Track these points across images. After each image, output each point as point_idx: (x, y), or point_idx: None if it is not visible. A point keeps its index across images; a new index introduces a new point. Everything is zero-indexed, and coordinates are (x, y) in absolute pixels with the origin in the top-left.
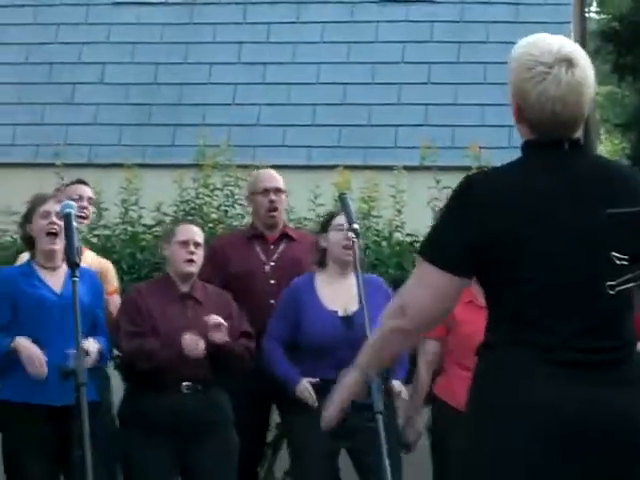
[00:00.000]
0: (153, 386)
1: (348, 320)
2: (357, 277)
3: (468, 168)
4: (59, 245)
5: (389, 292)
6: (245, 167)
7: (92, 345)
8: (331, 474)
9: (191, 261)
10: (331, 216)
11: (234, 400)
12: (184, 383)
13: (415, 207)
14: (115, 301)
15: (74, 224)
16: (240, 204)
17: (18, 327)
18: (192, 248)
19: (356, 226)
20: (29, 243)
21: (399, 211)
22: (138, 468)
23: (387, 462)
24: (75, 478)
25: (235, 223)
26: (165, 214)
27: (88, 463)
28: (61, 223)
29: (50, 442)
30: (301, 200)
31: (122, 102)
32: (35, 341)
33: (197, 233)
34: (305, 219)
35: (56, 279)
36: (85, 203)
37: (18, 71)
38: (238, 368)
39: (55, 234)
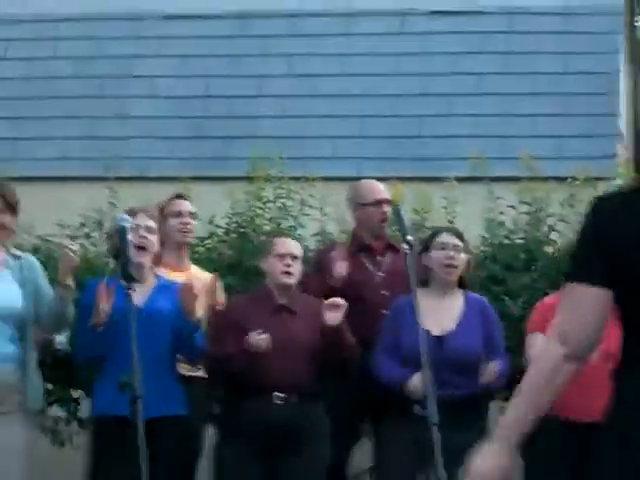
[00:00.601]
0: (247, 395)
1: (441, 340)
2: (413, 290)
3: (519, 178)
4: (147, 258)
5: (493, 314)
6: (297, 179)
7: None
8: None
9: (289, 273)
10: (434, 234)
11: (330, 412)
12: (278, 393)
13: (467, 218)
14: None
15: (129, 238)
16: (292, 216)
17: (102, 337)
18: (289, 261)
19: (410, 238)
20: (116, 256)
21: (451, 222)
22: (230, 476)
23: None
24: None
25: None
26: (218, 226)
27: (145, 476)
28: (150, 237)
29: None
30: None
31: (174, 115)
32: (115, 352)
33: (295, 246)
34: None
35: (141, 292)
36: (187, 219)
37: (69, 85)
38: (345, 363)
39: (144, 248)
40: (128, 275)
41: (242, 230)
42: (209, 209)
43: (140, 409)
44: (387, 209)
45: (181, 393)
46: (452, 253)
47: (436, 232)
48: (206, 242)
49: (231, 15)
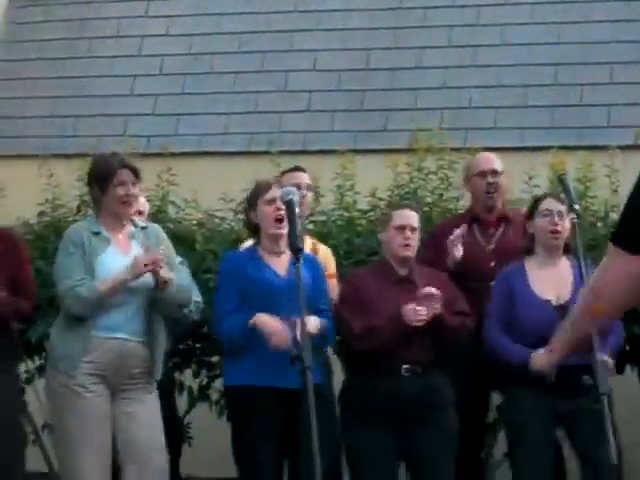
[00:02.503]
0: (374, 370)
1: (562, 309)
2: (578, 260)
3: None
4: (285, 230)
5: None
6: (458, 150)
7: (313, 322)
8: (549, 459)
9: (407, 245)
10: (537, 201)
11: (455, 384)
12: (404, 366)
13: (630, 186)
14: (333, 286)
15: (296, 210)
16: (454, 187)
17: (247, 310)
18: (408, 233)
19: (577, 207)
20: (253, 229)
21: (615, 191)
22: (360, 453)
23: (613, 443)
24: (302, 462)
25: (450, 206)
26: (380, 199)
27: (315, 448)
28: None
29: (277, 425)
30: (515, 182)
31: (334, 89)
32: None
33: (413, 217)
34: (520, 200)
35: (281, 264)
36: (304, 191)
37: (232, 60)
38: (455, 342)
39: (281, 220)
40: (296, 247)
41: (404, 202)
42: (371, 182)
43: (310, 380)
44: (492, 180)
45: (321, 361)
46: (557, 219)
47: (539, 198)
48: (369, 214)
49: None
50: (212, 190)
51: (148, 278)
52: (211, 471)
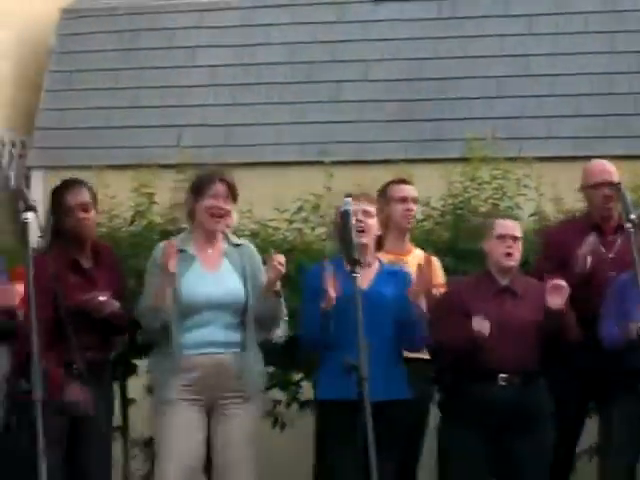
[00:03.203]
0: (472, 378)
1: None
2: (636, 267)
3: None
4: (366, 239)
5: None
6: (512, 160)
7: None
8: None
9: (509, 255)
10: None
11: (554, 393)
12: (501, 375)
13: None
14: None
15: (352, 221)
16: (508, 197)
17: (329, 320)
18: (510, 242)
19: (633, 216)
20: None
21: None
22: (456, 459)
23: None
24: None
25: None
26: (434, 208)
27: (372, 460)
28: (368, 221)
29: (355, 437)
30: (569, 192)
31: (386, 98)
32: (339, 335)
33: (515, 227)
34: (573, 210)
35: (366, 275)
36: (411, 204)
37: (281, 71)
38: (567, 341)
39: (362, 231)
40: (352, 259)
41: (458, 212)
42: (424, 191)
43: (366, 390)
44: (608, 192)
45: (405, 377)
46: (627, 225)
47: None
48: (423, 224)
49: None
50: (265, 200)
51: (239, 293)
52: None
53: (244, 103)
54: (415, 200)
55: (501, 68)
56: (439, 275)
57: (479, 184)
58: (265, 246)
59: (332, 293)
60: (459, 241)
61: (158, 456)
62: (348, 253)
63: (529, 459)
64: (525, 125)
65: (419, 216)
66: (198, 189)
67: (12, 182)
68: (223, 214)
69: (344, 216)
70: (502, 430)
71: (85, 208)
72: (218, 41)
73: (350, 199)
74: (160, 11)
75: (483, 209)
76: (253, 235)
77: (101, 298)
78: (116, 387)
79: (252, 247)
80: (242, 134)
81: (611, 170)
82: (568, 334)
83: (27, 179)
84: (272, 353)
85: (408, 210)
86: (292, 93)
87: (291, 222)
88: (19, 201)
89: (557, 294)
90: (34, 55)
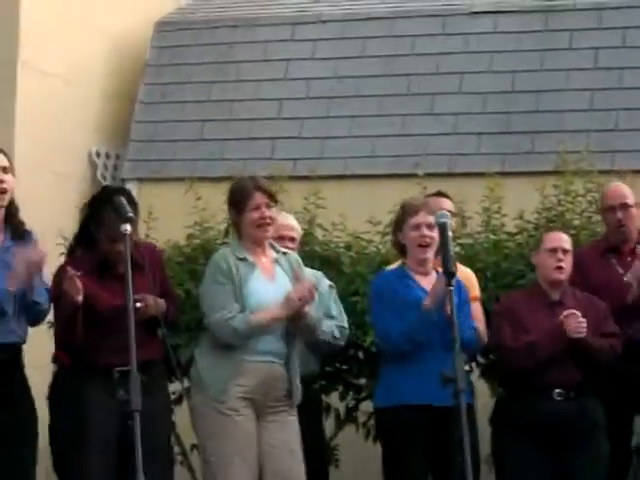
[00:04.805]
0: (527, 391)
1: None
2: None
3: None
4: (430, 254)
5: None
6: (606, 172)
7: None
8: None
9: (560, 268)
10: None
11: (604, 406)
12: (556, 390)
13: None
14: (477, 308)
15: (449, 234)
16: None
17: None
18: (560, 255)
19: None
20: (400, 250)
21: None
22: (511, 473)
23: None
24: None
25: (598, 229)
26: (527, 221)
27: (468, 469)
28: (431, 234)
29: (427, 442)
30: None
31: (480, 111)
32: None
33: (565, 240)
34: None
35: (429, 282)
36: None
37: (377, 83)
38: (599, 364)
39: (426, 245)
40: (450, 271)
41: (552, 225)
42: (518, 204)
43: (463, 402)
44: (622, 215)
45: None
46: None
47: None
48: (516, 237)
49: (536, 10)
50: (358, 213)
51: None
52: None
53: (338, 116)
54: (453, 214)
55: (595, 81)
56: (474, 287)
57: (573, 197)
58: (358, 258)
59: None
60: None
61: (219, 469)
62: (445, 265)
63: (586, 472)
64: (619, 137)
65: (512, 229)
66: (238, 203)
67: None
68: (269, 222)
69: (442, 228)
70: (558, 444)
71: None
72: (312, 54)
73: (446, 212)
74: (254, 24)
75: (577, 222)
76: (346, 248)
77: (138, 305)
78: None
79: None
80: (336, 147)
81: (625, 193)
82: (599, 356)
83: None
84: (335, 356)
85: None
86: (386, 105)
87: (384, 235)
88: (117, 213)
89: (577, 326)
90: (129, 68)
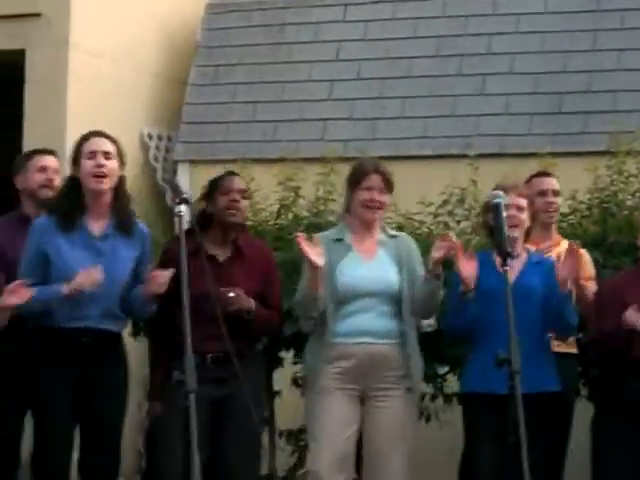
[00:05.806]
0: (623, 372)
1: None
2: None
3: None
4: (516, 233)
5: None
6: None
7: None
8: None
9: None
10: None
11: None
12: None
13: None
14: (591, 288)
15: (503, 214)
16: None
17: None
18: None
19: None
20: (490, 231)
21: None
22: (613, 455)
23: None
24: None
25: None
26: (580, 202)
27: (524, 452)
28: (520, 216)
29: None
30: None
31: (532, 91)
32: (487, 328)
33: None
34: None
35: (513, 267)
36: (552, 198)
37: (429, 64)
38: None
39: (515, 225)
40: (504, 251)
41: (605, 205)
42: (570, 185)
43: (518, 384)
44: None
45: (554, 369)
46: None
47: None
48: (569, 218)
49: None
50: (410, 194)
51: (393, 281)
52: None
53: (389, 97)
54: (556, 193)
55: None
56: (588, 269)
57: (626, 177)
58: None
59: (471, 276)
60: (607, 235)
61: (311, 443)
62: (500, 246)
63: None
64: None
65: (565, 210)
66: (354, 181)
67: (159, 176)
68: (378, 206)
69: (496, 209)
70: None
71: (243, 194)
72: (364, 35)
73: (501, 192)
74: (306, 5)
75: (630, 202)
76: (398, 229)
77: (231, 294)
78: None
79: (410, 239)
80: (387, 127)
81: None
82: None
83: (174, 173)
84: (419, 345)
85: (548, 203)
86: (438, 86)
87: (436, 216)
88: (173, 194)
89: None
90: (180, 50)
